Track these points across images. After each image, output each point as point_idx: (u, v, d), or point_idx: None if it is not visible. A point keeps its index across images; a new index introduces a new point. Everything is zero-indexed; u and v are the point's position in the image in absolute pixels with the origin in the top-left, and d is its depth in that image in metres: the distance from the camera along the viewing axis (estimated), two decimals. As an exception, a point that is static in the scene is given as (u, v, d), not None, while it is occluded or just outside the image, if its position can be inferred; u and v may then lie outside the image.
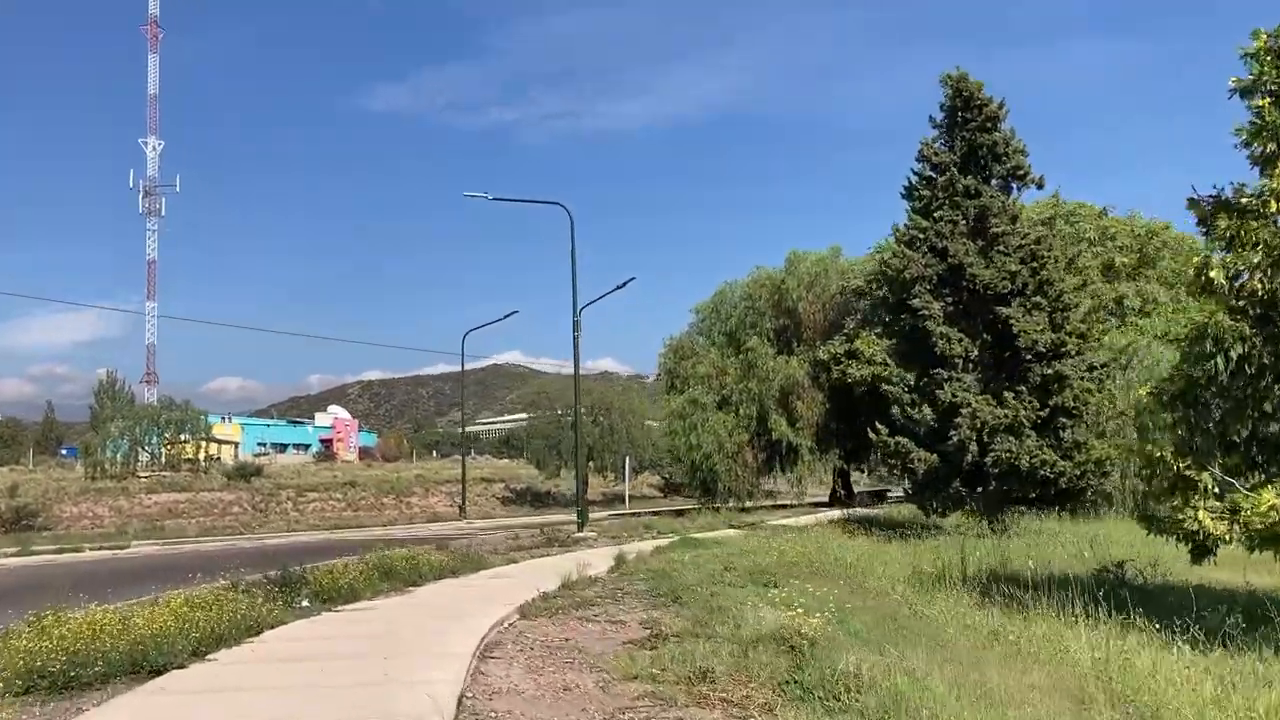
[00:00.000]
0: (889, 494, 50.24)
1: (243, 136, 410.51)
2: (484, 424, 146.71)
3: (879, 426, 23.54)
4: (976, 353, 22.97)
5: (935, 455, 23.07)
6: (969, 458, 22.61)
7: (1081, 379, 22.31)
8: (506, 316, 50.11)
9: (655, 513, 42.63)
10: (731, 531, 30.00)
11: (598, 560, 21.35)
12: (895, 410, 24.22)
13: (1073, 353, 22.49)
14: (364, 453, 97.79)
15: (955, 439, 22.42)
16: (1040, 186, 23.39)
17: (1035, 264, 22.60)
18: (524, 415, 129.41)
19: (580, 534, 29.39)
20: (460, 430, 70.24)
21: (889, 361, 39.21)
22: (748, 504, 41.86)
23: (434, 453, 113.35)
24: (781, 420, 41.22)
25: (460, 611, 12.90)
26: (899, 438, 23.44)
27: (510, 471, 77.71)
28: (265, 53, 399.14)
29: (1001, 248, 23.06)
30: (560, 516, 50.45)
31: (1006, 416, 21.93)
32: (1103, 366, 23.03)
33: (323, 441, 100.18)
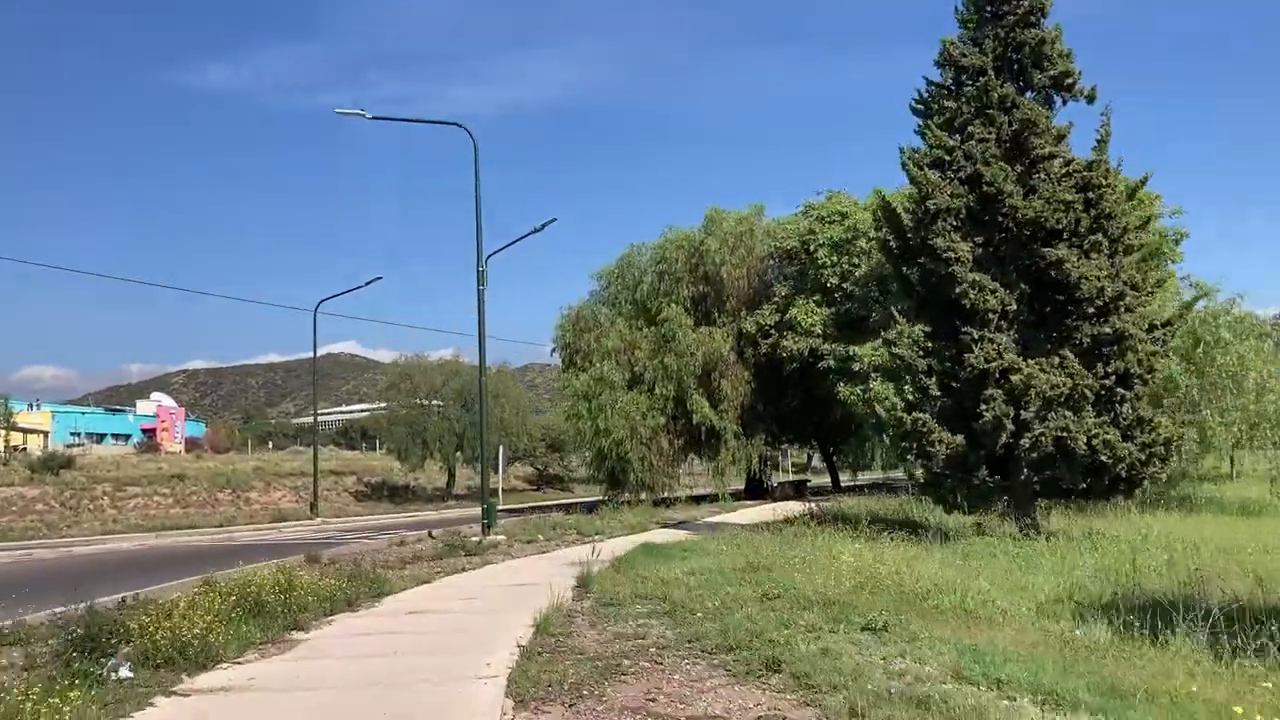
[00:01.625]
0: (808, 484, 46.22)
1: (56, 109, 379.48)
2: (336, 413, 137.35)
3: (892, 401, 19.00)
4: (1014, 307, 18.54)
5: (960, 436, 18.55)
6: (1003, 438, 18.19)
7: (1143, 340, 18.17)
8: (369, 283, 43.34)
9: (556, 508, 37.26)
10: (678, 534, 25.09)
11: (538, 575, 16.03)
12: (909, 381, 19.65)
13: (1133, 306, 18.34)
14: (191, 443, 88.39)
15: (989, 415, 17.97)
16: (1091, 100, 19.15)
17: (1091, 193, 18.35)
18: (365, 406, 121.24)
19: (489, 537, 23.85)
20: (312, 417, 62.85)
21: (833, 331, 35.27)
22: (664, 496, 36.95)
23: (269, 444, 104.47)
24: (703, 401, 36.50)
25: (396, 700, 7.44)
26: (917, 414, 18.88)
27: (362, 464, 70.67)
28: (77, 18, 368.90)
29: (1043, 174, 18.72)
30: (436, 514, 44.49)
31: (1064, 386, 17.60)
32: (1165, 325, 18.94)
33: (145, 431, 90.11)
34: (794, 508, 33.83)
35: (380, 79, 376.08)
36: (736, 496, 38.10)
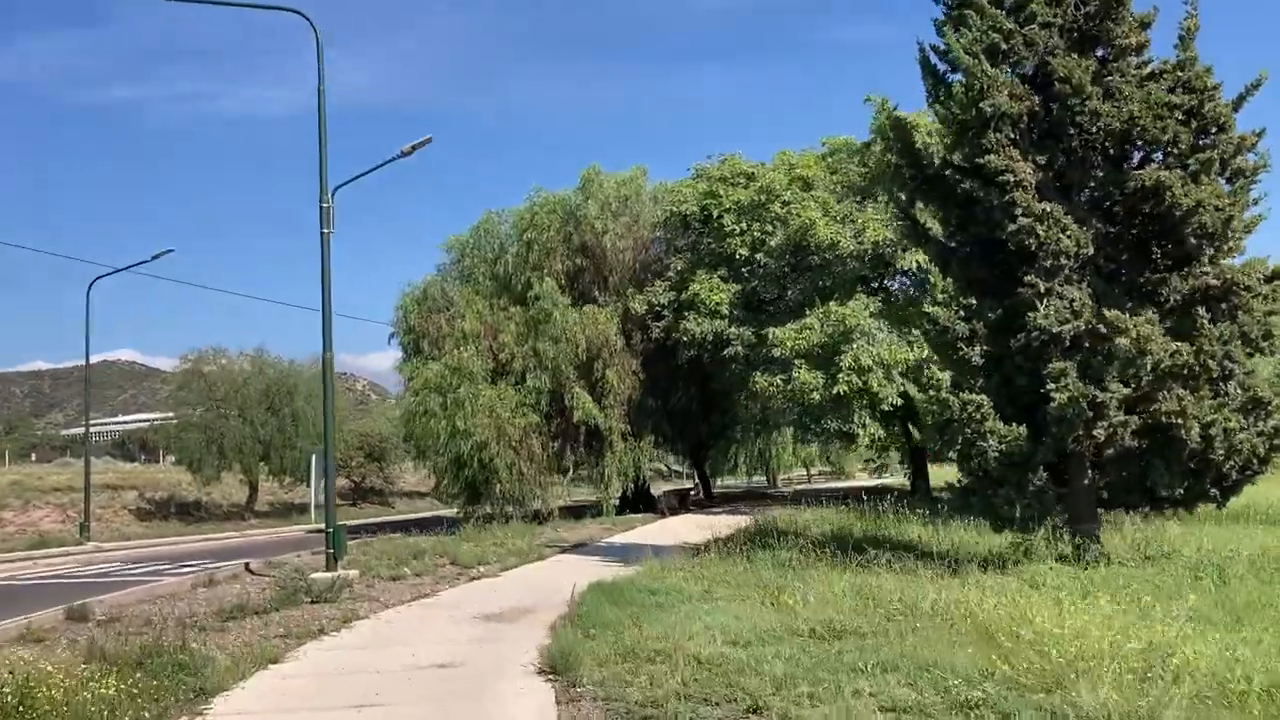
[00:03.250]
0: (692, 494, 41.30)
1: None
2: (114, 423, 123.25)
3: (938, 379, 14.03)
4: (1090, 249, 13.95)
5: (1023, 426, 13.80)
6: (1080, 427, 13.57)
7: (1259, 294, 13.94)
8: (157, 257, 35.46)
9: (395, 527, 30.70)
10: (594, 563, 19.64)
11: (445, 643, 10.31)
12: (945, 352, 14.85)
13: (1241, 249, 14.12)
14: (-69, 457, 75.43)
15: (1061, 396, 13.33)
16: (1177, -20, 14.80)
17: (1190, 97, 13.98)
18: (146, 415, 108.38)
19: (339, 573, 17.59)
20: (84, 426, 53.40)
21: (742, 313, 30.39)
22: (537, 509, 31.17)
23: (33, 456, 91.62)
24: (585, 395, 31.02)
25: None
26: (968, 396, 13.97)
27: (145, 477, 61.01)
28: None
29: (1118, 75, 14.25)
30: (239, 536, 36.91)
31: (1186, 354, 13.10)
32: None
33: None
34: (705, 523, 28.78)
35: (173, 74, 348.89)
36: (620, 509, 32.62)
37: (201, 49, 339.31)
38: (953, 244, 15.72)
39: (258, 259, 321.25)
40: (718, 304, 29.86)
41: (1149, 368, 12.94)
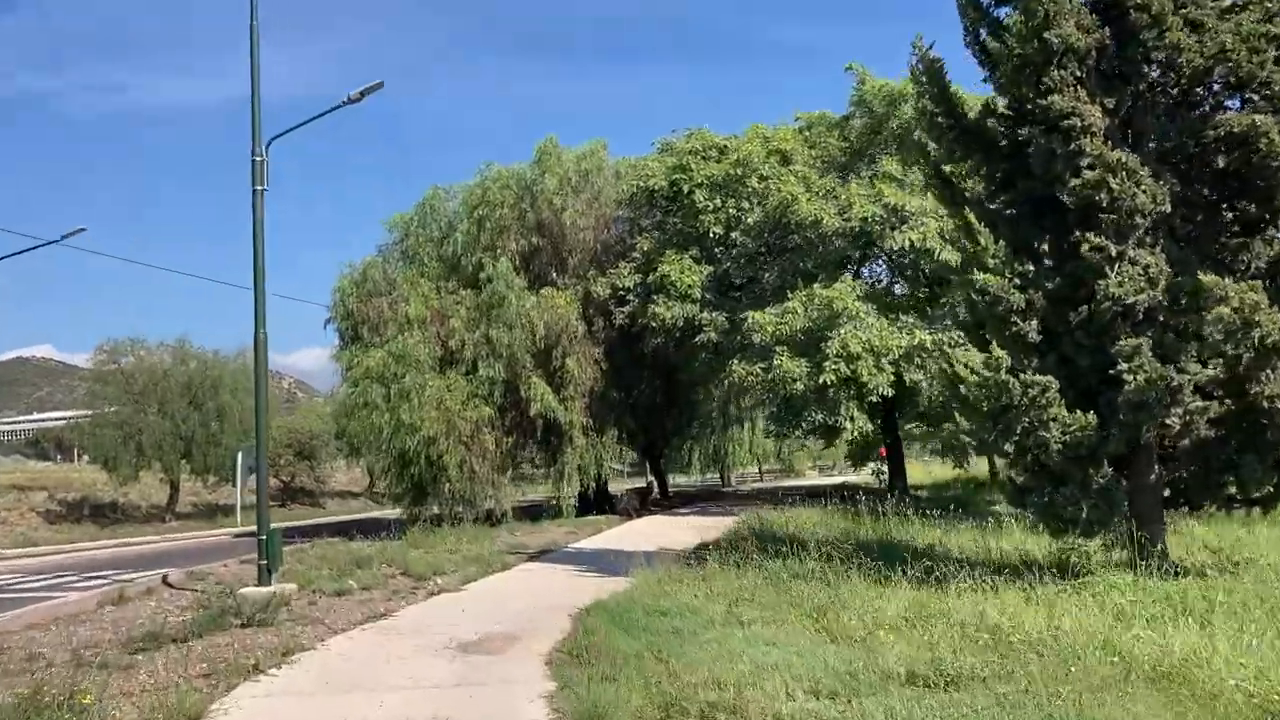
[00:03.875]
0: (652, 493, 39.08)
1: None
2: (26, 421, 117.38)
3: (996, 354, 12.05)
4: (1167, 206, 12.04)
5: (1090, 414, 11.86)
6: (1155, 417, 11.68)
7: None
8: (67, 237, 32.00)
9: (332, 530, 28.04)
10: (570, 574, 17.38)
11: (425, 687, 8.08)
12: (987, 331, 12.94)
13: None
14: None
15: (1138, 378, 11.41)
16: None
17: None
18: (62, 414, 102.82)
19: (275, 587, 15.16)
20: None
21: (712, 297, 28.30)
22: (489, 508, 28.78)
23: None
24: (543, 386, 28.69)
25: None
26: (1031, 378, 11.98)
27: (57, 477, 57.32)
28: None
29: (1194, 5, 12.34)
30: (159, 540, 33.89)
31: (1292, 324, 11.23)
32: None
33: None
34: (678, 525, 26.73)
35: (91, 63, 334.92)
36: (580, 510, 30.29)
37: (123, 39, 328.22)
38: (994, 204, 13.73)
39: (189, 255, 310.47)
40: (689, 287, 27.72)
41: (1255, 342, 11.01)
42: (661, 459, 43.81)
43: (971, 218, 13.60)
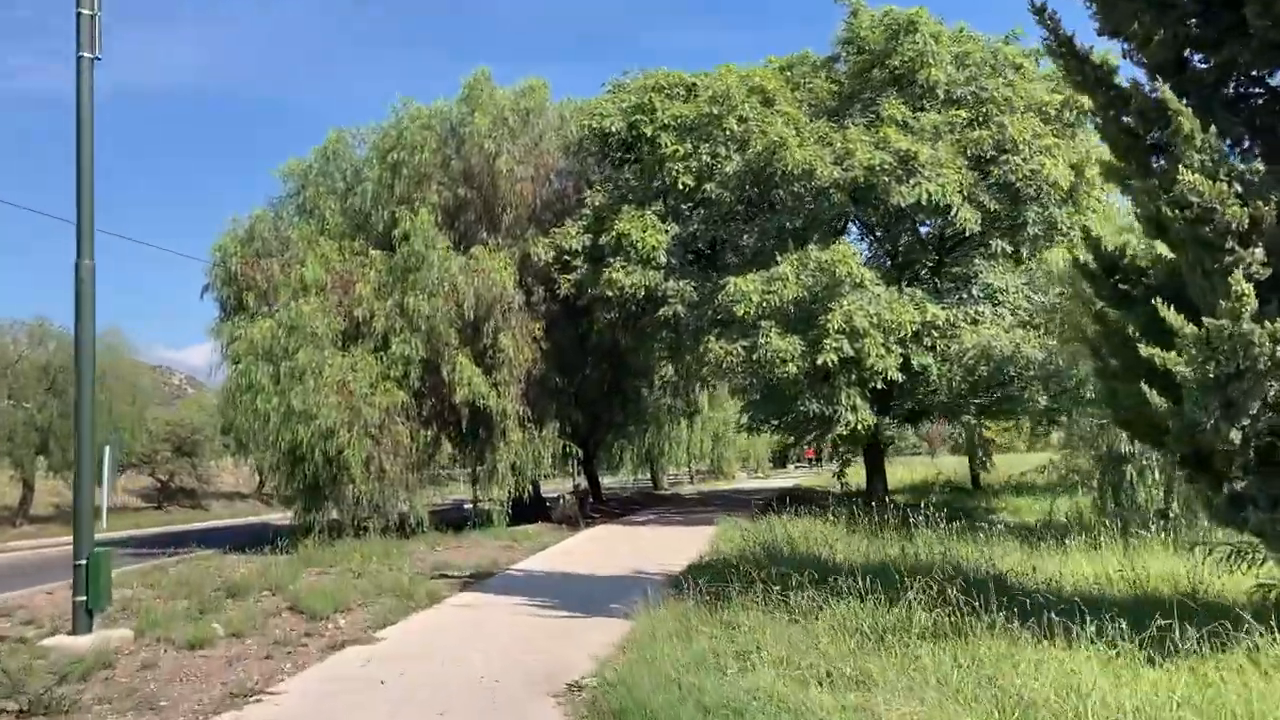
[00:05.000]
0: (588, 498, 34.41)
1: None
2: None
3: (1240, 293, 7.69)
4: None
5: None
6: None
7: None
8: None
9: (201, 538, 22.81)
10: (529, 613, 12.77)
11: None
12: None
13: None
14: None
15: None
16: None
17: None
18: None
19: (95, 635, 10.24)
20: None
21: (679, 263, 23.92)
22: (404, 512, 23.99)
23: None
24: (471, 367, 24.00)
25: None
26: (1272, 324, 7.79)
27: None
28: None
29: None
30: (2, 554, 28.11)
31: None
32: None
33: None
34: (638, 539, 22.40)
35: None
36: (514, 519, 25.52)
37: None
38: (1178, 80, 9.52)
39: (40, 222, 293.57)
40: (653, 249, 23.25)
41: None
42: (594, 458, 39.24)
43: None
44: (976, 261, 23.22)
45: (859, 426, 21.65)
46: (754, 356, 21.26)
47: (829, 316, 20.57)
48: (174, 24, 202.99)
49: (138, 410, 46.07)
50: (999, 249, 22.82)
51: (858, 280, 20.94)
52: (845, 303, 20.74)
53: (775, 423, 26.61)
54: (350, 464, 22.88)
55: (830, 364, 20.51)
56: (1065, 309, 21.52)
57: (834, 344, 20.45)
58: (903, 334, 20.92)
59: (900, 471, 41.70)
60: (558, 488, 37.18)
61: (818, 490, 40.55)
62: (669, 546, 19.33)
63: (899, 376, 21.16)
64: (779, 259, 21.71)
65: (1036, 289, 23.26)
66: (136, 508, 50.13)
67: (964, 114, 22.78)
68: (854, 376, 21.49)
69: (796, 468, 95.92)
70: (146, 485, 54.07)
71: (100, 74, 13.31)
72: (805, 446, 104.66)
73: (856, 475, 35.53)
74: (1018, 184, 22.12)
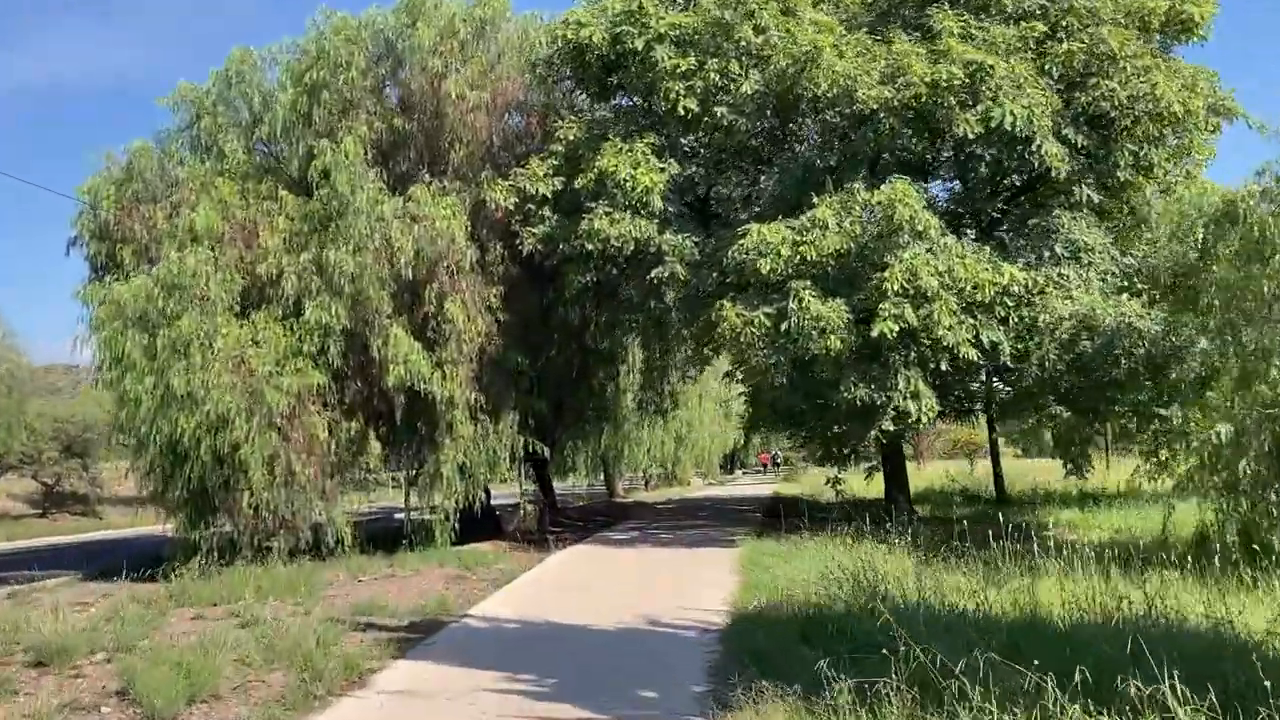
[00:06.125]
0: (562, 515, 29.24)
1: None
2: None
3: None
4: None
5: None
6: None
7: None
8: None
9: (94, 557, 17.35)
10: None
11: None
12: None
13: None
14: None
15: None
16: None
17: None
18: None
19: None
20: None
21: (676, 212, 19.06)
22: (318, 527, 18.87)
23: None
24: (407, 341, 18.90)
25: None
26: None
27: None
28: None
29: None
30: None
31: None
32: None
33: None
34: (642, 565, 17.58)
35: None
36: (462, 535, 20.32)
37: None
38: None
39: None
40: (645, 191, 18.28)
41: None
42: (550, 461, 34.03)
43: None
44: (1056, 212, 18.67)
45: (920, 418, 16.86)
46: (783, 327, 16.42)
47: (887, 274, 15.83)
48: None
49: (15, 404, 40.35)
50: (1084, 197, 18.25)
51: (920, 228, 16.21)
52: (906, 255, 16.01)
53: (802, 417, 21.69)
54: (249, 464, 17.60)
55: (887, 336, 15.76)
56: (1178, 268, 17.08)
57: (893, 310, 15.72)
58: (980, 298, 16.24)
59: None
60: (507, 493, 31.86)
61: (805, 499, 35.92)
62: (679, 578, 14.46)
63: (974, 354, 16.44)
64: (816, 200, 16.93)
65: (1127, 247, 18.83)
66: (18, 515, 44.30)
67: (1041, 27, 18.25)
68: (912, 354, 16.77)
69: (745, 474, 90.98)
70: (31, 490, 47.95)
71: None
72: (760, 450, 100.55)
73: (854, 484, 30.97)
74: (1113, 113, 17.63)
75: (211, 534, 18.17)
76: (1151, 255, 18.75)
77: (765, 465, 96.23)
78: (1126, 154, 18.15)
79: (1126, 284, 18.37)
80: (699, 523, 25.90)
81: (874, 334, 15.76)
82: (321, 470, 18.90)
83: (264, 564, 17.40)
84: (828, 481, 29.07)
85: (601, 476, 52.99)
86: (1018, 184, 19.94)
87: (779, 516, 27.32)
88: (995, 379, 19.81)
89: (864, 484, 35.39)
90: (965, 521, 18.36)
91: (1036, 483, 32.12)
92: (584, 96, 21.63)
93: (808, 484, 43.43)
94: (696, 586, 13.33)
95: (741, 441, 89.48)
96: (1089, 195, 18.19)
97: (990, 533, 16.13)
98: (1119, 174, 18.42)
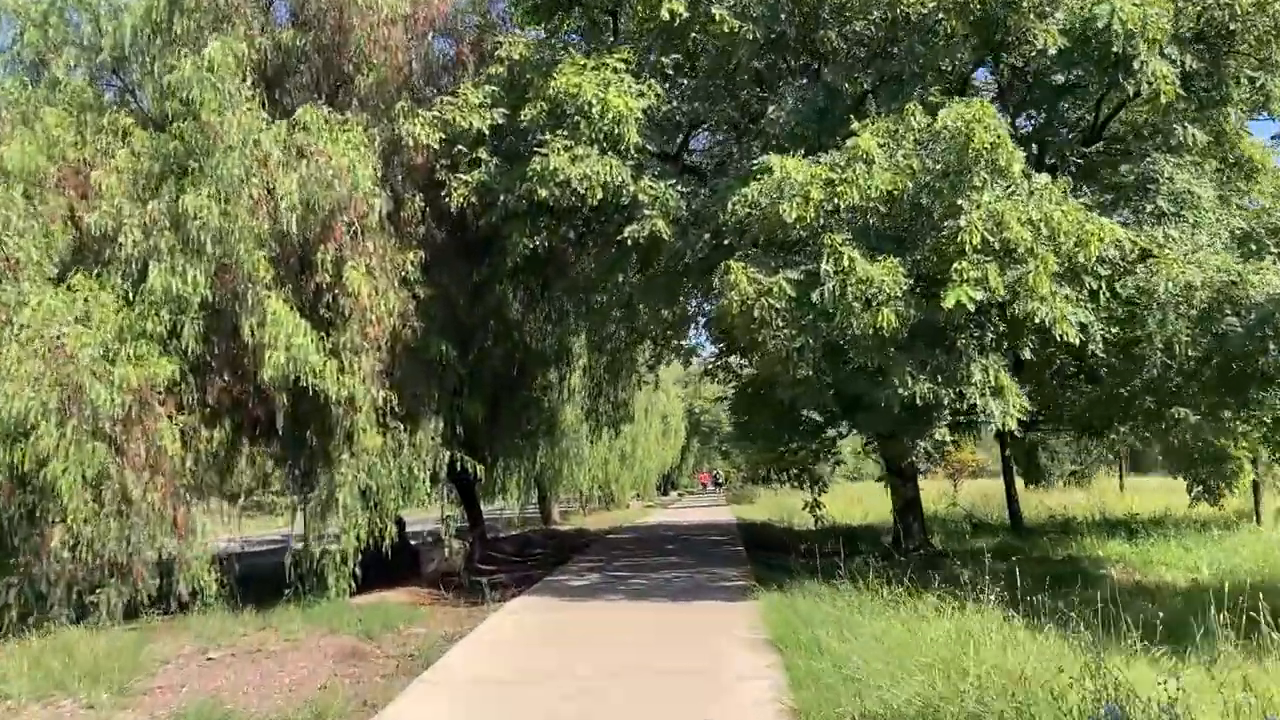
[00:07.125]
0: (494, 549, 24.30)
1: None
2: None
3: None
4: None
5: None
6: None
7: None
8: None
9: None
10: None
11: None
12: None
13: None
14: None
15: None
16: None
17: None
18: None
19: None
20: None
21: (656, 151, 14.49)
22: (162, 563, 13.91)
23: None
24: (292, 321, 14.07)
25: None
26: None
27: None
28: None
29: None
30: None
31: None
32: None
33: None
34: (632, 644, 12.74)
35: None
36: (365, 579, 15.39)
37: None
38: None
39: None
40: (617, 119, 13.67)
41: None
42: (478, 481, 29.01)
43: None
44: (1152, 156, 14.56)
45: (1004, 423, 12.41)
46: (813, 297, 11.91)
47: (964, 222, 11.42)
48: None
49: None
50: (1190, 137, 14.14)
51: (1002, 162, 11.85)
52: (985, 199, 11.64)
53: (838, 417, 17.14)
54: (60, 488, 12.63)
55: (965, 307, 11.35)
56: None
57: (972, 272, 11.32)
58: (1084, 259, 11.91)
59: (842, 504, 31.60)
60: (423, 518, 26.72)
61: (779, 525, 31.44)
62: (688, 668, 9.80)
63: (1073, 335, 12.05)
64: (856, 126, 12.50)
65: (1241, 196, 14.80)
66: None
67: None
68: (988, 335, 12.43)
69: (681, 495, 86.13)
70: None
71: None
72: (697, 470, 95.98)
73: (835, 508, 26.66)
74: (1232, 24, 13.56)
75: (5, 585, 13.08)
76: (1273, 210, 14.71)
77: (705, 485, 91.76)
78: (1244, 82, 14.13)
79: (1239, 247, 14.25)
80: (672, 560, 21.25)
81: (948, 305, 11.33)
82: (173, 494, 13.92)
83: (82, 626, 12.60)
84: (806, 506, 24.75)
85: (534, 499, 47.83)
86: (1102, 119, 15.73)
87: (766, 549, 23.02)
88: (1079, 374, 15.57)
89: (843, 508, 31.19)
90: (1012, 559, 14.23)
91: (1046, 507, 28.17)
92: (531, 11, 16.95)
93: (770, 507, 39.04)
94: (719, 687, 8.72)
95: (679, 460, 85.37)
96: (1194, 135, 14.10)
97: (1047, 576, 12.44)
98: (1229, 107, 14.39)
